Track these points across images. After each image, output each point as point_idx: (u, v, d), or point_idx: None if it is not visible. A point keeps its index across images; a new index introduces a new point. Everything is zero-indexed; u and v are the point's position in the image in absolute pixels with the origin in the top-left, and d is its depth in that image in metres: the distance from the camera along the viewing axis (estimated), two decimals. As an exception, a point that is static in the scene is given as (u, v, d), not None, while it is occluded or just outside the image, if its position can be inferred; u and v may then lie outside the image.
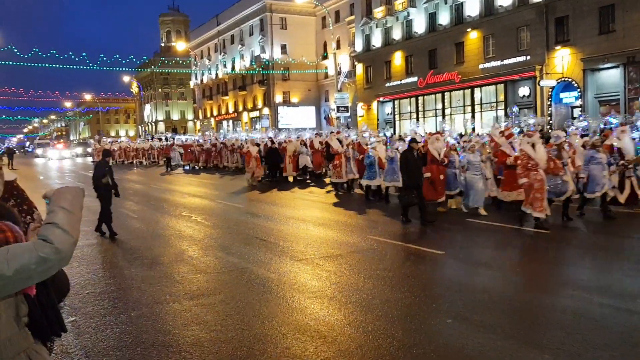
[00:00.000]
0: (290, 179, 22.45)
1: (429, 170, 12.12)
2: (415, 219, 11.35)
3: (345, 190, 17.65)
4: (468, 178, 12.10)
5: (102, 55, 54.60)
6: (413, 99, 42.30)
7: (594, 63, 29.13)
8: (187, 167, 34.06)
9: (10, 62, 48.13)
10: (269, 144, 23.66)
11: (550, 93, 31.54)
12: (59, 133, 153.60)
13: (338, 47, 49.90)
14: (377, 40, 45.80)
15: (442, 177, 12.39)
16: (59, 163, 49.88)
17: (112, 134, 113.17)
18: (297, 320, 5.75)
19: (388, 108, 45.42)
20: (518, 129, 15.31)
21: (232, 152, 29.86)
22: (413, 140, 11.89)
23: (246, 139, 28.33)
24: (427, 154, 12.52)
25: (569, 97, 31.18)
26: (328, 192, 18.24)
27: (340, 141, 18.77)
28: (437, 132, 15.91)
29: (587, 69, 29.52)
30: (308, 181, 22.01)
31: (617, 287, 6.72)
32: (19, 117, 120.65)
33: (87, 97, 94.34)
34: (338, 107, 41.97)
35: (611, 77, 28.90)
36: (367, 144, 16.64)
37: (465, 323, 5.58)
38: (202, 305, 6.38)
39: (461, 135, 17.34)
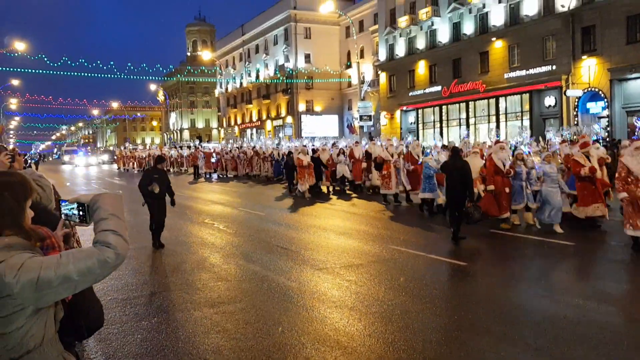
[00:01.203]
0: (324, 189, 21.39)
1: (493, 183, 11.33)
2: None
3: (394, 201, 16.63)
4: (544, 191, 10.88)
5: (130, 64, 55.47)
6: (437, 108, 42.06)
7: (621, 73, 28.61)
8: (214, 176, 33.27)
9: (41, 71, 49.30)
10: (310, 152, 21.82)
11: (576, 103, 31.06)
12: (87, 140, 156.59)
13: (362, 56, 50.02)
14: (400, 50, 45.75)
15: (507, 190, 11.35)
16: (85, 170, 50.80)
17: (138, 141, 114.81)
18: (317, 330, 5.73)
19: (411, 117, 45.25)
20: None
21: (264, 160, 28.90)
22: (457, 149, 11.05)
23: (288, 147, 26.93)
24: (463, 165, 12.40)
25: (595, 107, 30.66)
26: (353, 203, 18.18)
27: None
28: (499, 141, 14.27)
29: (614, 79, 29.01)
30: (348, 192, 20.75)
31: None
32: (48, 124, 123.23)
33: (114, 105, 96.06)
34: (361, 116, 42.01)
35: (639, 87, 28.34)
36: (419, 155, 15.67)
37: (487, 335, 5.50)
38: (223, 313, 6.41)
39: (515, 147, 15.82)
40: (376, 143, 21.16)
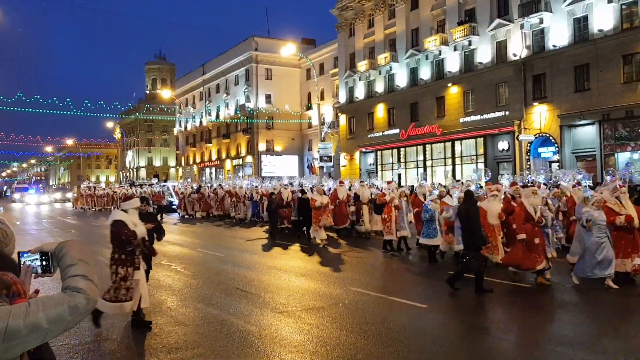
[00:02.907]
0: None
1: (523, 231, 9.99)
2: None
3: (394, 250, 14.69)
4: (592, 241, 9.54)
5: (87, 101, 54.33)
6: (395, 150, 42.92)
7: (570, 120, 30.00)
8: (180, 216, 31.64)
9: (-7, 107, 47.85)
10: (299, 194, 19.73)
11: (528, 148, 32.26)
12: (38, 177, 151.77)
13: (322, 98, 50.81)
14: (360, 93, 46.78)
15: (537, 241, 9.97)
16: (36, 208, 49.06)
17: (93, 179, 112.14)
18: (278, 376, 5.58)
19: (370, 158, 45.94)
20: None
21: (237, 200, 26.44)
22: (470, 192, 10.32)
23: (270, 186, 24.53)
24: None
25: (546, 152, 31.91)
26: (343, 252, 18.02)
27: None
28: (531, 184, 12.95)
29: (564, 125, 30.37)
30: (337, 239, 18.24)
31: (603, 344, 6.69)
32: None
33: (69, 142, 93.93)
34: (321, 157, 42.31)
35: (587, 133, 29.73)
36: (424, 196, 14.15)
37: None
38: (180, 359, 6.18)
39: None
40: (365, 184, 19.78)
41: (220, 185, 31.00)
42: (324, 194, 17.81)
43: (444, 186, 19.13)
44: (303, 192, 19.44)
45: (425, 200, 13.96)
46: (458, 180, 18.07)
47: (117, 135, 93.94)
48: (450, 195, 12.76)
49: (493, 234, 11.30)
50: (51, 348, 2.50)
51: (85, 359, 6.27)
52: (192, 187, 33.05)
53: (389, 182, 18.00)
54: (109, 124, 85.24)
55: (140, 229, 7.46)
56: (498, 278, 10.53)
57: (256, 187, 26.13)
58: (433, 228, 12.53)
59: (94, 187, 48.50)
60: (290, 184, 25.51)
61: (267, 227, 21.53)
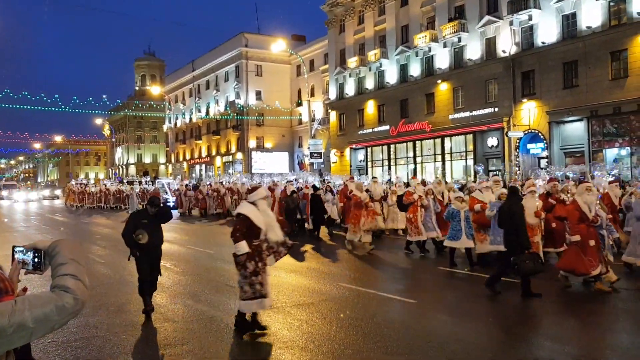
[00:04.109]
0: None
1: (577, 232, 9.09)
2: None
3: (421, 250, 13.53)
4: None
5: (75, 97, 53.90)
6: (385, 147, 42.99)
7: (559, 116, 30.20)
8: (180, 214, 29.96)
9: (-21, 104, 47.31)
10: (305, 190, 18.81)
11: (517, 144, 32.45)
12: (27, 175, 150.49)
13: (312, 94, 50.82)
14: (350, 89, 46.80)
15: (592, 243, 9.06)
16: (25, 205, 48.65)
17: (82, 176, 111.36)
18: (268, 372, 5.59)
19: (360, 155, 46.00)
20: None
21: (239, 198, 25.04)
22: (514, 189, 9.56)
23: (311, 181, 22.27)
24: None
25: (535, 148, 32.12)
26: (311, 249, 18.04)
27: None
28: (585, 181, 11.54)
29: (553, 122, 30.56)
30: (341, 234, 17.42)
31: (588, 340, 6.76)
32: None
33: (57, 138, 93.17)
34: (311, 154, 42.33)
35: (576, 129, 29.96)
36: (442, 194, 13.75)
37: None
38: (170, 356, 6.17)
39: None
40: (378, 181, 18.59)
41: (221, 183, 29.78)
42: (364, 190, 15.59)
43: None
44: (315, 188, 18.22)
45: (442, 199, 13.68)
46: (494, 173, 16.95)
47: (106, 132, 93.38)
48: (481, 191, 11.74)
49: (531, 233, 10.11)
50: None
51: (73, 356, 6.23)
52: (188, 185, 32.50)
53: (414, 178, 17.01)
54: (98, 121, 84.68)
55: (266, 221, 6.94)
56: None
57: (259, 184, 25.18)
58: (457, 229, 11.37)
59: (85, 184, 47.99)
60: (295, 179, 24.16)
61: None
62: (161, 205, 8.50)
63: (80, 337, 6.97)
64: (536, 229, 10.64)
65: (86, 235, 20.17)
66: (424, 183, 17.64)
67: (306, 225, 18.48)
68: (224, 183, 29.30)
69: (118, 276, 11.50)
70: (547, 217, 10.77)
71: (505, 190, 10.64)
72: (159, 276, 8.24)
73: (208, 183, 31.41)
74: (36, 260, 2.08)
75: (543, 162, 30.38)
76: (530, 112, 31.69)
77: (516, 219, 8.85)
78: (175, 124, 78.07)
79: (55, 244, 2.06)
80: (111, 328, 7.41)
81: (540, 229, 10.85)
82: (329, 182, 20.42)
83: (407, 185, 19.38)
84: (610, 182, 13.52)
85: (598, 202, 10.02)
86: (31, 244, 2.11)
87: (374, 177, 19.65)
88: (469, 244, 11.33)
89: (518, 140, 32.36)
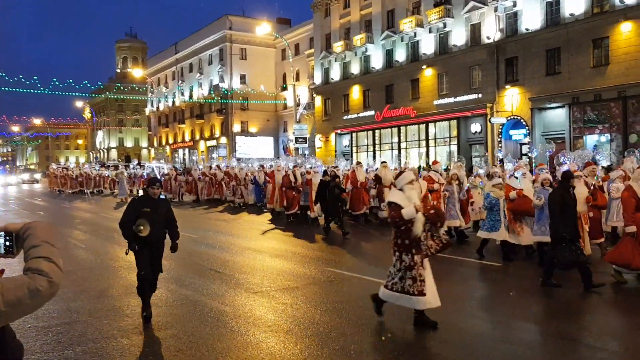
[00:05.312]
0: (318, 217, 16.72)
1: (632, 222, 8.19)
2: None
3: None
4: None
5: (55, 79, 52.95)
6: (370, 132, 43.00)
7: (541, 102, 30.42)
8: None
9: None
10: (308, 175, 17.54)
11: (500, 130, 32.66)
12: (5, 158, 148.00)
13: (297, 79, 50.50)
14: (335, 74, 46.59)
15: None
16: (3, 190, 47.90)
17: (62, 160, 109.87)
18: (252, 356, 5.59)
19: (345, 140, 45.97)
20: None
21: (238, 183, 23.83)
22: (568, 174, 8.60)
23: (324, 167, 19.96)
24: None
25: (518, 134, 32.36)
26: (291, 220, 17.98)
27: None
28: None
29: (535, 108, 30.79)
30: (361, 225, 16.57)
31: (568, 319, 6.86)
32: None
33: (37, 121, 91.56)
34: (296, 138, 42.17)
35: (557, 116, 30.23)
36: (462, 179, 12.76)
37: (422, 355, 5.55)
38: (153, 341, 6.13)
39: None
40: (386, 165, 17.56)
41: (218, 167, 28.00)
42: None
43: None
44: (325, 173, 16.25)
45: (461, 183, 12.75)
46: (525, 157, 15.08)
47: (87, 115, 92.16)
48: (517, 177, 11.04)
49: (579, 222, 9.27)
50: (17, 341, 2.40)
51: (55, 341, 6.16)
52: (178, 169, 31.76)
53: (434, 163, 15.36)
54: (79, 104, 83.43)
55: (408, 210, 6.24)
56: (492, 260, 10.68)
57: (261, 167, 23.08)
58: (496, 219, 10.39)
59: (66, 168, 47.09)
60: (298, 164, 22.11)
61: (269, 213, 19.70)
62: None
63: (61, 322, 6.89)
64: (585, 217, 9.84)
65: (67, 220, 19.93)
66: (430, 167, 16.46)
67: (309, 213, 17.28)
68: (221, 167, 27.78)
69: (99, 261, 11.39)
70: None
71: (548, 176, 10.02)
72: (159, 275, 7.23)
73: (202, 167, 29.78)
74: (7, 243, 2.01)
75: (525, 148, 30.66)
76: (513, 99, 31.87)
77: (569, 209, 8.10)
78: (158, 108, 77.17)
79: (27, 225, 2.00)
80: (93, 313, 7.34)
81: (586, 218, 10.03)
82: (334, 169, 18.76)
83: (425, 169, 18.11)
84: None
85: None
86: (2, 227, 2.04)
87: (383, 162, 18.18)
88: (506, 235, 10.38)
89: (501, 127, 32.57)
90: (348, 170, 19.76)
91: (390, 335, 6.36)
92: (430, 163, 15.48)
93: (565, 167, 11.20)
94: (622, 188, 10.21)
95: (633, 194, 8.27)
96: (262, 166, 23.63)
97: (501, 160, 17.22)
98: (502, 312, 7.23)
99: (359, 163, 19.76)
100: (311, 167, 19.52)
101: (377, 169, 18.42)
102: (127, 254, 7.08)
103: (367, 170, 19.67)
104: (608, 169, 14.29)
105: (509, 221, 10.40)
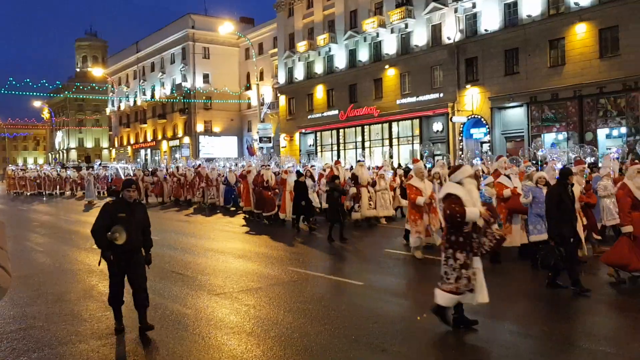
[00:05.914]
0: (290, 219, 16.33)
1: (629, 222, 7.91)
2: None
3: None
4: None
5: (11, 78, 51.33)
6: (334, 132, 43.19)
7: (500, 102, 31.13)
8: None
9: None
10: (284, 175, 17.17)
11: (461, 129, 33.27)
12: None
13: (261, 78, 50.27)
14: (299, 74, 46.58)
15: None
16: (-44, 192, 46.17)
17: (20, 161, 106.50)
18: (214, 359, 5.56)
19: (310, 140, 46.03)
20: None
21: (209, 184, 23.24)
22: (567, 171, 8.30)
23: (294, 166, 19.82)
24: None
25: (478, 132, 33.04)
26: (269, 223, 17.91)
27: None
28: (636, 162, 10.19)
29: (495, 107, 31.49)
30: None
31: (524, 314, 7.05)
32: None
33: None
34: (261, 138, 41.92)
35: (516, 115, 30.98)
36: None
37: (384, 355, 5.62)
38: (112, 345, 6.03)
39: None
40: (363, 163, 17.04)
41: (192, 167, 27.40)
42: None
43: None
44: (299, 174, 16.14)
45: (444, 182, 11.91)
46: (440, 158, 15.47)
47: (46, 115, 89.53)
48: (508, 176, 10.71)
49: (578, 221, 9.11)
50: None
51: (9, 348, 5.99)
52: (145, 170, 31.05)
53: (415, 161, 14.45)
54: (37, 103, 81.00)
55: (472, 210, 5.93)
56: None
57: (231, 168, 22.85)
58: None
59: (23, 170, 45.69)
60: (273, 164, 22.29)
61: (242, 214, 19.21)
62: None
63: (17, 328, 6.71)
64: (580, 216, 9.58)
65: (24, 223, 19.36)
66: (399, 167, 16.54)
67: (280, 214, 16.91)
68: (189, 167, 27.24)
69: (57, 264, 11.11)
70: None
71: (543, 174, 9.68)
72: (145, 283, 6.53)
73: (166, 167, 29.64)
74: None
75: (485, 147, 31.32)
76: (473, 98, 32.51)
77: (567, 206, 7.82)
78: (119, 107, 75.62)
79: None
80: (50, 318, 7.16)
81: (581, 216, 9.81)
82: (310, 168, 18.61)
83: (404, 169, 18.32)
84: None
85: None
86: None
87: (359, 161, 17.70)
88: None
89: (462, 125, 33.18)
90: (323, 170, 19.50)
91: (355, 337, 6.41)
92: (411, 161, 15.30)
93: (559, 165, 11.10)
94: (609, 186, 10.36)
95: (628, 192, 8.01)
96: (230, 169, 23.23)
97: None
98: (490, 314, 7.33)
99: (337, 162, 19.34)
100: (287, 167, 18.98)
101: (352, 168, 18.18)
102: (99, 264, 6.43)
103: (324, 169, 19.40)
104: (592, 168, 13.94)
105: (502, 220, 10.15)
